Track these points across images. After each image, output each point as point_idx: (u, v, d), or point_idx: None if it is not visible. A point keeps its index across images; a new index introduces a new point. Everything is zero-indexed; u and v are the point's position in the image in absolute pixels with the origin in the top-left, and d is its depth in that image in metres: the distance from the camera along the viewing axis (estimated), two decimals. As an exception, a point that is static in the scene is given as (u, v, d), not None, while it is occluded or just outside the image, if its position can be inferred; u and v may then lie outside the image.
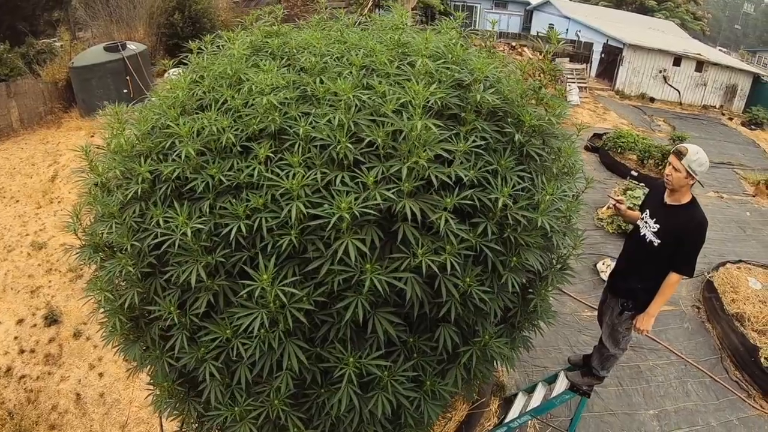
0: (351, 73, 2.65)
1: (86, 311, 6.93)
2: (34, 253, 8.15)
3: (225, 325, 2.36)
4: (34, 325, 6.84)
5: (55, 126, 12.88)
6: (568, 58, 20.50)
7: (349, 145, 2.27)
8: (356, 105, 2.43)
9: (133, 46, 13.66)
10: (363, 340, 2.44)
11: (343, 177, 2.27)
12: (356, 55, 2.77)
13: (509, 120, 2.73)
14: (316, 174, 2.28)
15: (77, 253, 3.09)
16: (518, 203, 2.48)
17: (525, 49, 21.71)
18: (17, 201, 9.59)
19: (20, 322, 6.91)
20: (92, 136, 11.89)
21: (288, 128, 2.47)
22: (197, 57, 3.34)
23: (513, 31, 27.53)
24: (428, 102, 2.34)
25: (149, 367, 3.04)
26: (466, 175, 2.30)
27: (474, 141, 2.42)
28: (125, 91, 13.04)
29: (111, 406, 5.82)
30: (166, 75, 13.18)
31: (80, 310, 7.01)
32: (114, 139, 2.85)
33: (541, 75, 2.95)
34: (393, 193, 2.18)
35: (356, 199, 2.16)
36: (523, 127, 2.67)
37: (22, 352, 6.47)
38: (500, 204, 2.33)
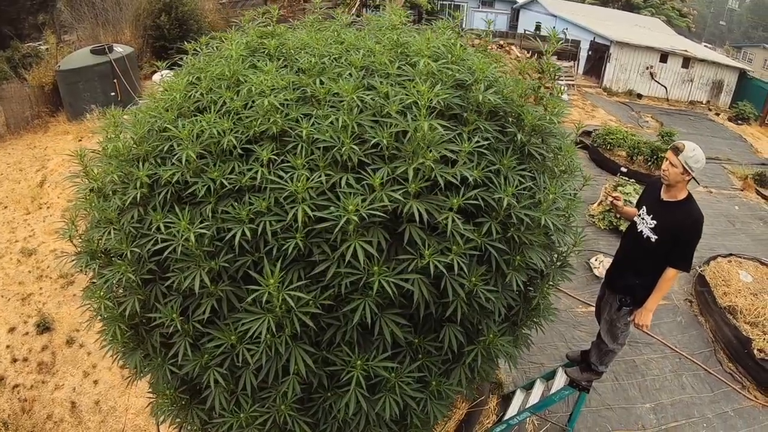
0: (351, 74, 2.64)
1: (79, 318, 6.85)
2: (24, 259, 8.03)
3: (230, 331, 2.33)
4: (26, 333, 6.74)
5: (42, 130, 12.70)
6: (555, 56, 20.57)
7: (354, 147, 2.25)
8: (358, 106, 2.42)
9: (120, 49, 13.51)
10: (369, 343, 2.43)
11: (347, 179, 2.25)
12: (356, 55, 2.76)
13: (510, 120, 2.74)
14: (320, 176, 2.26)
15: (73, 260, 3.04)
16: (521, 202, 2.49)
17: (513, 47, 21.80)
18: (5, 207, 9.44)
19: (12, 330, 6.80)
20: (80, 140, 11.75)
21: (290, 130, 2.45)
22: (192, 58, 3.30)
23: (500, 29, 27.65)
24: (431, 102, 2.34)
25: (150, 375, 2.99)
26: (471, 176, 2.30)
27: (478, 141, 2.42)
28: (113, 94, 12.90)
29: (107, 414, 5.75)
30: (155, 77, 13.09)
31: (73, 317, 6.92)
32: (111, 143, 2.80)
33: (540, 74, 2.96)
34: (400, 195, 2.17)
35: (363, 200, 2.14)
36: (524, 127, 2.68)
37: (14, 360, 6.37)
38: (505, 203, 2.33)
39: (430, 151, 2.21)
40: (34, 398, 5.92)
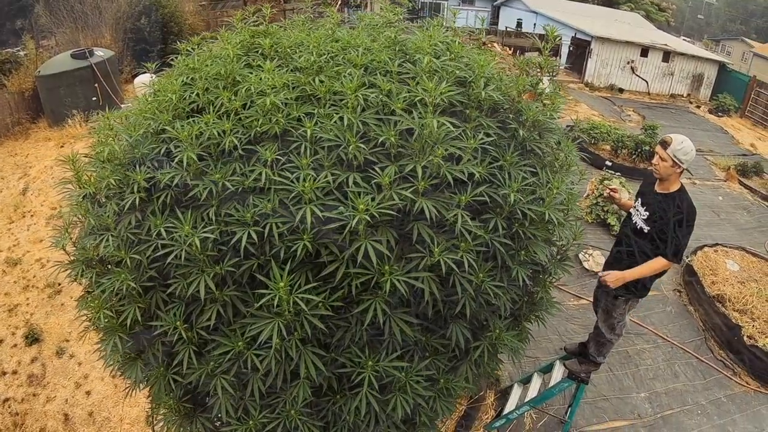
0: (350, 73, 2.61)
1: (68, 328, 6.71)
2: (9, 269, 7.84)
3: (236, 337, 2.28)
4: (15, 345, 6.57)
5: (23, 137, 12.41)
6: (537, 52, 20.73)
7: (361, 145, 2.23)
8: (361, 104, 2.39)
9: (100, 53, 13.24)
10: (378, 343, 2.41)
11: (354, 178, 2.22)
12: (355, 53, 2.73)
13: (510, 116, 2.74)
14: (326, 176, 2.23)
15: (66, 269, 2.95)
16: (525, 198, 2.49)
17: (494, 44, 21.91)
18: (-13, 217, 9.22)
19: (-1, 342, 6.65)
20: (62, 147, 11.51)
21: (292, 130, 2.41)
22: (184, 59, 3.23)
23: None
24: (436, 99, 2.32)
25: (152, 386, 2.92)
26: (477, 172, 2.29)
27: (482, 138, 2.41)
28: (94, 98, 12.64)
29: (101, 425, 5.63)
30: (136, 80, 12.87)
31: (61, 327, 6.77)
32: (106, 147, 2.73)
33: (539, 71, 2.97)
34: (409, 193, 2.15)
35: (372, 200, 2.12)
36: (524, 123, 2.68)
37: (4, 374, 6.21)
38: (512, 199, 2.33)
39: (437, 148, 2.20)
40: (26, 412, 5.77)
